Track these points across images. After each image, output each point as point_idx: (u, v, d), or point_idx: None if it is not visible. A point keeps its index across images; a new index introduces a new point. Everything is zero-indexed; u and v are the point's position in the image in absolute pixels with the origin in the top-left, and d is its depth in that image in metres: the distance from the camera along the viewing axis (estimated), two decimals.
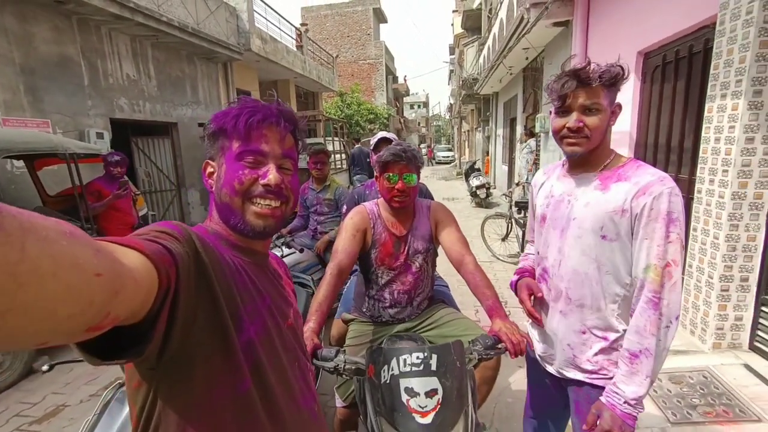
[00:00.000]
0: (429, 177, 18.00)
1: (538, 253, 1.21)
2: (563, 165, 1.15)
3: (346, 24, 24.63)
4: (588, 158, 1.04)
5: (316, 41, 13.88)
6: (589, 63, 0.97)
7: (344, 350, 1.17)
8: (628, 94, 3.30)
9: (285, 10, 11.99)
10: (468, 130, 23.67)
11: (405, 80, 35.94)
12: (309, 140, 10.51)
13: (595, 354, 1.07)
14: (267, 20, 9.46)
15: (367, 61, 24.94)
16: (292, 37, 11.11)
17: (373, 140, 2.29)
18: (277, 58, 9.29)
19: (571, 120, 0.99)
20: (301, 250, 2.84)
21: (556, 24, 4.87)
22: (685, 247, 2.08)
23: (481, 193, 9.03)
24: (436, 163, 30.14)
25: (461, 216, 5.26)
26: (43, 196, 4.32)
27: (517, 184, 5.79)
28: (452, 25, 23.93)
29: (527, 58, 6.93)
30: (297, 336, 0.77)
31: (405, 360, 1.10)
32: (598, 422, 0.98)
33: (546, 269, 1.16)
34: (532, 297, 1.18)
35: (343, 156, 9.87)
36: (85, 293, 0.32)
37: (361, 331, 1.59)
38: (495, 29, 8.85)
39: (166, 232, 0.51)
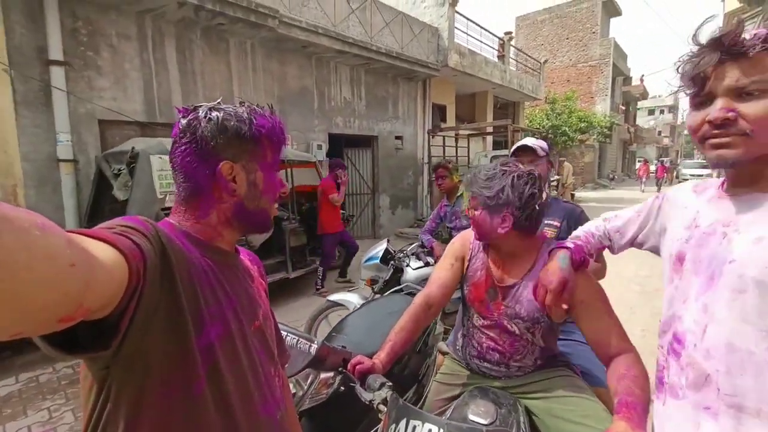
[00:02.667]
0: None
1: (669, 309, 0.80)
2: (722, 185, 0.76)
3: (566, 25, 22.30)
4: (763, 170, 0.67)
5: (528, 48, 13.23)
6: (741, 23, 0.63)
7: (391, 385, 1.01)
8: None
9: (496, 21, 11.94)
10: None
11: (641, 80, 29.53)
12: (498, 152, 10.09)
13: None
14: (467, 35, 9.67)
15: (589, 63, 21.83)
16: (494, 48, 10.94)
17: (512, 148, 1.91)
18: (474, 71, 9.36)
19: (714, 110, 0.65)
20: (427, 264, 2.73)
21: None
22: None
23: None
24: (682, 181, 23.15)
25: None
26: None
27: None
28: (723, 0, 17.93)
29: None
30: (264, 339, 0.74)
31: (414, 428, 0.87)
32: None
33: (680, 337, 0.75)
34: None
35: None
36: (60, 283, 0.33)
37: (453, 370, 1.37)
38: None
39: (134, 228, 0.50)
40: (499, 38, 11.22)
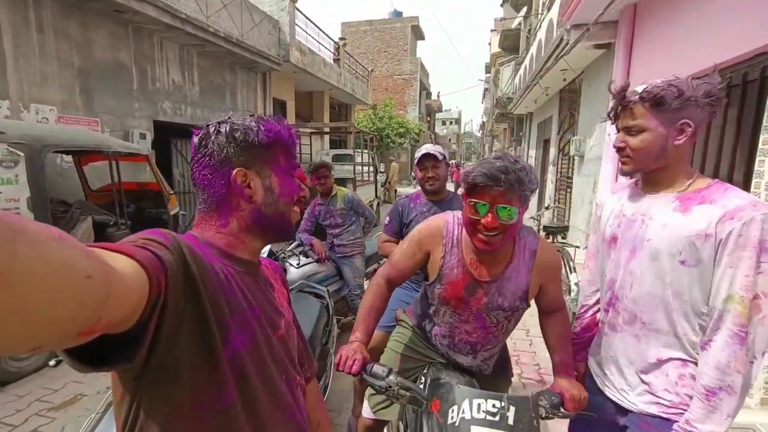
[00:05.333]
0: None
1: (608, 274, 1.12)
2: (636, 183, 1.10)
3: (384, 39, 25.14)
4: (660, 177, 1.00)
5: (353, 55, 14.22)
6: (626, 85, 0.97)
7: (396, 372, 1.09)
8: None
9: (325, 24, 12.42)
10: (499, 150, 23.34)
11: (438, 96, 36.09)
12: (338, 151, 10.68)
13: (675, 383, 0.99)
14: (307, 33, 9.80)
15: (402, 77, 25.26)
16: (330, 51, 11.43)
17: (418, 154, 2.05)
18: (314, 70, 9.57)
19: (616, 140, 1.01)
20: (319, 260, 2.83)
21: (597, 46, 4.73)
22: None
23: None
24: None
25: None
26: (86, 189, 4.58)
27: (547, 208, 5.59)
28: (489, 44, 23.93)
29: (565, 80, 6.77)
30: (287, 347, 0.75)
31: (479, 405, 1.02)
32: None
33: (615, 293, 1.09)
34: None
35: (371, 168, 9.93)
36: (76, 295, 0.32)
37: (416, 345, 1.38)
38: (533, 49, 8.74)
39: (155, 240, 0.50)
40: (335, 42, 11.78)
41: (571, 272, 3.33)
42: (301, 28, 9.34)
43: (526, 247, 1.16)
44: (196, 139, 0.69)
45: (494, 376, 1.35)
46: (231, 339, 0.58)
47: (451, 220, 1.21)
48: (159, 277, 0.46)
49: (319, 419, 0.92)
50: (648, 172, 1.02)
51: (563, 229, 4.16)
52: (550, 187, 8.17)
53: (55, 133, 3.41)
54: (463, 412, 1.02)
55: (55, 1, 4.56)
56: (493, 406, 1.01)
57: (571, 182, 6.35)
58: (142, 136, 5.66)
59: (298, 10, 8.86)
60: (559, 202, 7.29)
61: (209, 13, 6.29)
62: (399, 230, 2.10)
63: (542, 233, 4.36)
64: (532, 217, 5.04)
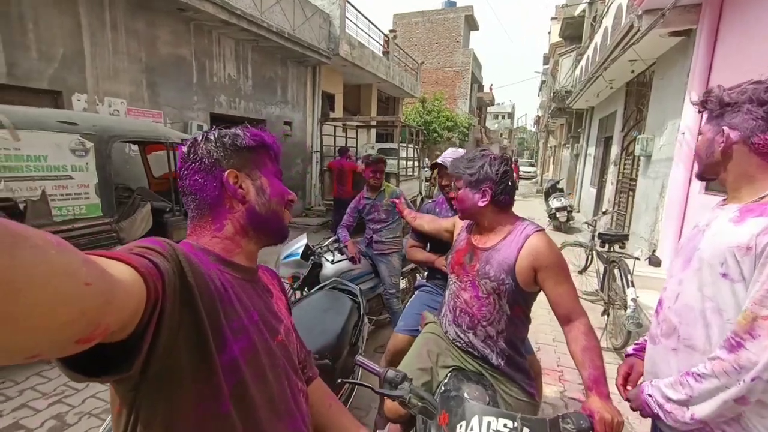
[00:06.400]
0: None
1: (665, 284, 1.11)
2: (723, 200, 1.06)
3: (436, 31, 24.60)
4: (725, 185, 0.98)
5: (403, 47, 14.08)
6: (710, 90, 0.97)
7: (411, 378, 1.06)
8: None
9: (377, 16, 12.37)
10: (554, 146, 22.02)
11: (491, 89, 34.77)
12: (384, 145, 10.65)
13: None
14: (357, 26, 9.81)
15: (453, 69, 24.62)
16: (380, 43, 11.37)
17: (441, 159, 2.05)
18: (362, 63, 9.57)
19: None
20: (351, 259, 2.80)
21: (673, 33, 4.20)
22: None
23: (561, 216, 8.24)
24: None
25: None
26: (149, 176, 4.96)
27: (605, 213, 5.13)
28: (549, 33, 22.51)
29: (633, 71, 6.14)
30: (288, 353, 0.75)
31: (489, 424, 0.96)
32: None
33: (661, 300, 1.06)
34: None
35: (416, 163, 9.79)
36: (76, 302, 0.33)
37: (435, 340, 1.46)
38: (597, 38, 8.03)
39: (151, 248, 0.51)
40: (385, 35, 11.70)
41: (628, 286, 3.02)
42: (351, 21, 9.36)
43: (523, 232, 1.29)
44: (184, 149, 0.71)
45: (511, 382, 1.32)
46: (228, 346, 0.58)
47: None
48: (156, 285, 0.46)
49: (330, 403, 0.91)
50: (719, 181, 1.00)
51: (622, 238, 3.76)
52: (609, 188, 7.53)
53: (120, 124, 3.69)
54: (471, 429, 0.97)
55: (126, 1, 4.93)
56: (505, 425, 0.95)
57: (635, 185, 5.79)
58: (200, 128, 6.00)
59: (349, 3, 8.88)
60: (619, 207, 6.69)
61: (263, 8, 6.48)
62: (424, 236, 2.04)
63: (597, 241, 4.00)
64: (586, 222, 4.66)
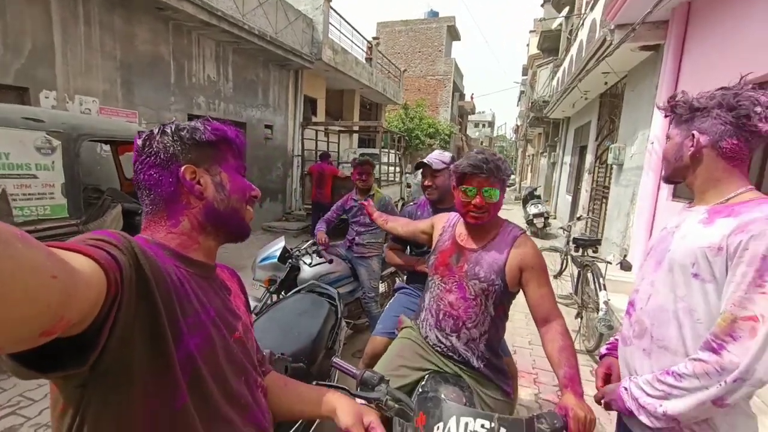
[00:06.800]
0: None
1: (634, 285, 1.12)
2: (689, 202, 1.08)
3: (419, 40, 24.96)
4: (693, 188, 1.00)
5: (386, 55, 14.20)
6: (674, 96, 1.00)
7: (388, 380, 1.03)
8: None
9: (361, 23, 12.45)
10: (533, 154, 22.60)
11: (472, 98, 35.50)
12: (366, 150, 10.66)
13: None
14: (340, 32, 9.84)
15: (436, 77, 25.00)
16: (363, 50, 11.44)
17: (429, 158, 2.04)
18: (345, 68, 9.59)
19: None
20: (331, 261, 2.77)
21: (644, 48, 4.40)
22: None
23: (539, 222, 8.46)
24: None
25: None
26: (121, 178, 4.79)
27: (579, 218, 5.28)
28: (527, 45, 23.23)
29: (606, 83, 6.39)
30: (246, 349, 0.75)
31: (467, 425, 0.95)
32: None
33: (633, 302, 1.07)
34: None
35: (397, 169, 9.85)
36: (43, 295, 0.33)
37: (410, 345, 1.43)
38: (573, 51, 8.33)
39: (107, 240, 0.49)
40: (368, 41, 11.78)
41: (600, 289, 3.10)
42: (335, 27, 9.39)
43: (510, 233, 1.34)
44: (139, 141, 0.68)
45: (490, 383, 1.33)
46: (184, 341, 0.58)
47: (453, 214, 1.50)
48: (116, 277, 0.45)
49: (284, 382, 0.90)
50: (687, 184, 1.02)
51: (595, 242, 3.87)
52: (584, 196, 7.76)
53: (90, 123, 3.56)
54: (449, 430, 0.96)
55: None
56: (482, 426, 0.95)
57: (608, 192, 5.99)
58: None
59: (332, 9, 8.91)
60: (593, 213, 6.90)
61: (245, 11, 6.42)
62: (403, 239, 2.02)
63: (571, 245, 4.11)
64: (561, 228, 4.78)
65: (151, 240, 0.66)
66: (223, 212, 0.71)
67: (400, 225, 1.75)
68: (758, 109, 0.86)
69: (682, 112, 0.97)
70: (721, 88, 0.94)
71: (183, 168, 0.66)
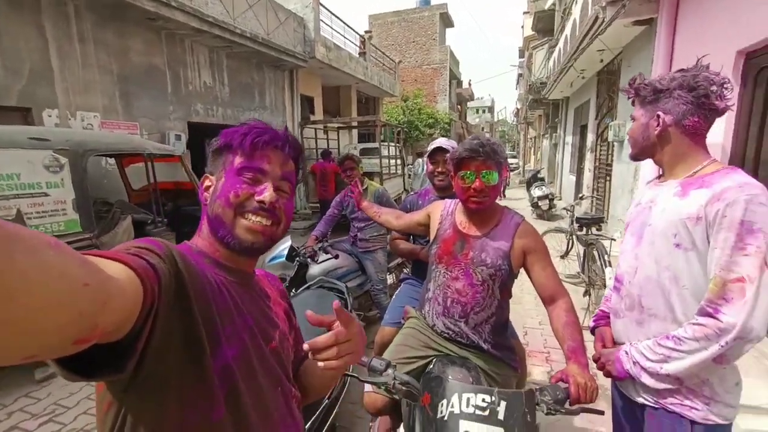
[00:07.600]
0: None
1: (618, 260, 1.18)
2: (658, 177, 1.13)
3: (412, 29, 24.71)
4: (662, 165, 1.06)
5: (380, 47, 14.14)
6: (635, 79, 1.06)
7: (395, 365, 1.08)
8: None
9: (352, 18, 12.40)
10: (534, 137, 22.41)
11: (469, 84, 35.16)
12: (366, 145, 10.68)
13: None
14: (332, 29, 9.81)
15: (432, 66, 24.77)
16: (356, 45, 11.39)
17: (430, 147, 2.06)
18: (339, 65, 9.58)
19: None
20: (336, 256, 2.83)
21: (636, 23, 4.36)
22: None
23: (543, 204, 8.43)
24: None
25: None
26: (128, 189, 4.89)
27: (582, 198, 5.28)
28: (522, 27, 22.88)
29: (602, 61, 6.33)
30: (281, 359, 0.74)
31: (468, 400, 1.00)
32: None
33: (620, 277, 1.13)
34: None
35: (398, 161, 9.86)
36: (73, 303, 0.32)
37: (415, 334, 1.46)
38: (567, 30, 8.24)
39: (148, 249, 0.50)
40: (361, 36, 11.72)
41: (606, 266, 3.13)
42: (326, 23, 9.37)
43: (512, 220, 1.37)
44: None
45: (498, 361, 1.38)
46: (221, 351, 0.58)
47: (447, 201, 1.51)
48: (153, 286, 0.45)
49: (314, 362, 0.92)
50: (655, 161, 1.07)
51: (597, 221, 3.89)
52: (587, 175, 7.72)
53: (94, 138, 3.63)
54: (452, 407, 1.01)
55: (94, 13, 4.84)
56: (483, 400, 0.99)
57: (611, 170, 5.96)
58: (178, 137, 5.93)
59: (322, 5, 8.88)
60: (597, 192, 6.88)
61: (235, 14, 6.44)
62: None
63: (575, 225, 4.13)
64: (565, 208, 4.79)
65: (194, 248, 0.68)
66: (211, 218, 0.69)
67: (393, 217, 1.73)
68: (714, 88, 0.93)
69: (645, 95, 1.03)
70: (680, 70, 1.00)
71: (203, 178, 0.74)
